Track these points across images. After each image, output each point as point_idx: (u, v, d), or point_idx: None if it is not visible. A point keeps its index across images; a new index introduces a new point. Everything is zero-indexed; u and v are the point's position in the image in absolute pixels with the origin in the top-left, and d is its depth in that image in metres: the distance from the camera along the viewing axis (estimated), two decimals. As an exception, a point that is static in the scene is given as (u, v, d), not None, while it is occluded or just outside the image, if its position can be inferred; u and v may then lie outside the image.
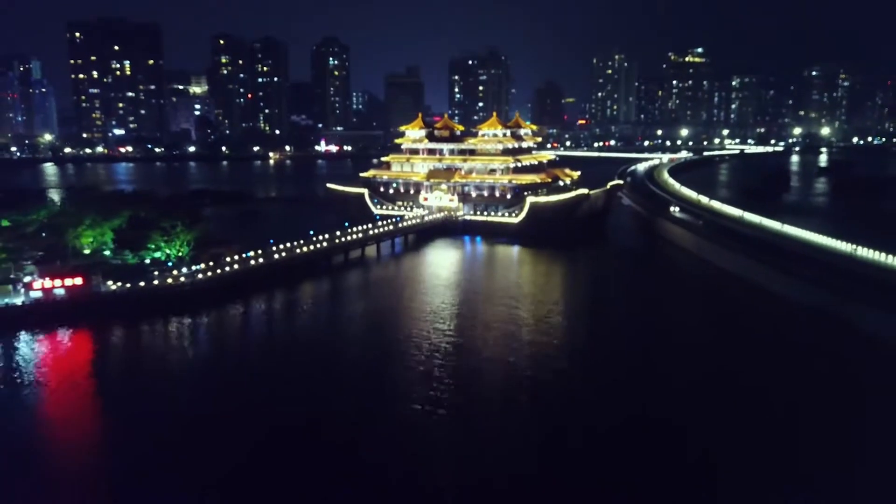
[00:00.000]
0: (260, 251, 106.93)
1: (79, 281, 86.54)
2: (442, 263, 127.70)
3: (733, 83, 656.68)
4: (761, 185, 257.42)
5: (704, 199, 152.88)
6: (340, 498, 47.61)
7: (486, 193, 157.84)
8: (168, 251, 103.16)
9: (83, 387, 70.07)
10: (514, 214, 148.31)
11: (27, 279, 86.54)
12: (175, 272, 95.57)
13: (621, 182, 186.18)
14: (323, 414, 61.21)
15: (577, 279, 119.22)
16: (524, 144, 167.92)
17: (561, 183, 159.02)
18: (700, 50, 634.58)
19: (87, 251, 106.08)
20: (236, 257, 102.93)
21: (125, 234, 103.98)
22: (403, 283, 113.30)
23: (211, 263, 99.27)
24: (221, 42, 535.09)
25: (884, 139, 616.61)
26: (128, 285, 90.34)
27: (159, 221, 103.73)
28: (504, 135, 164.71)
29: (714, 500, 47.95)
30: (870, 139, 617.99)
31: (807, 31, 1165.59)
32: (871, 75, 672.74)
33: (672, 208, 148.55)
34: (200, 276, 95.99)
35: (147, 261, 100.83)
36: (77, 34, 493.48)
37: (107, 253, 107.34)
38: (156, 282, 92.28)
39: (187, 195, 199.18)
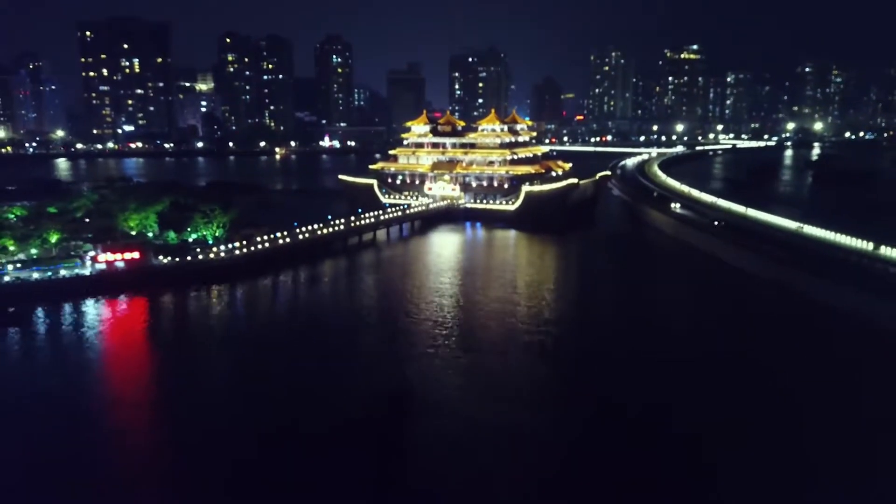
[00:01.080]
0: (286, 232, 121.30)
1: (136, 255, 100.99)
2: (445, 246, 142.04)
3: (728, 79, 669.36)
4: (746, 177, 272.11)
5: (685, 189, 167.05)
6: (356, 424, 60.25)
7: (485, 183, 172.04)
8: (206, 232, 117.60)
9: (141, 343, 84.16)
10: (510, 202, 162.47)
11: (92, 253, 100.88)
12: (214, 249, 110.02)
13: (609, 173, 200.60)
14: (341, 361, 75.73)
15: (568, 258, 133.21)
16: (520, 139, 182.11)
17: (553, 174, 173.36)
18: (695, 47, 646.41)
19: (133, 233, 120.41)
20: (266, 237, 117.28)
21: (169, 217, 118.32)
22: (410, 261, 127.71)
23: (244, 242, 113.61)
24: (228, 40, 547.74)
25: (875, 134, 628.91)
26: (176, 259, 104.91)
27: (199, 206, 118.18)
28: (502, 130, 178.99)
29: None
30: (861, 134, 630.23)
31: (803, 27, 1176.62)
32: (864, 71, 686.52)
33: (673, 205, 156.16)
34: (237, 252, 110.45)
35: (190, 240, 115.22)
36: (87, 33, 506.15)
37: (150, 234, 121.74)
38: (200, 257, 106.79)
39: (207, 186, 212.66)
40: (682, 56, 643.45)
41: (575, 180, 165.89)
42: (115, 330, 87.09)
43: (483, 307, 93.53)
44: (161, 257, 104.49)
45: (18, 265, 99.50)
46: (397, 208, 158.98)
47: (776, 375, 69.02)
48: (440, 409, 61.49)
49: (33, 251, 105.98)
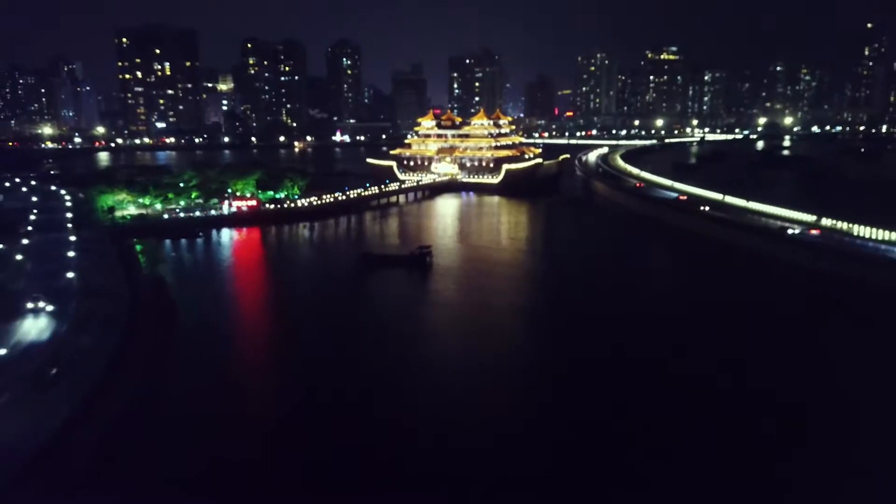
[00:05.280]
0: (340, 193, 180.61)
1: (253, 203, 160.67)
2: (447, 206, 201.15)
3: (706, 77, 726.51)
4: (696, 161, 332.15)
5: (623, 165, 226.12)
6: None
7: (476, 164, 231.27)
8: (289, 192, 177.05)
9: (259, 254, 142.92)
10: (495, 177, 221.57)
11: (227, 202, 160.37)
12: (298, 202, 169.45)
13: (568, 156, 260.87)
14: (381, 247, 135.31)
15: (536, 213, 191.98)
16: (502, 131, 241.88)
17: (526, 156, 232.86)
18: (675, 48, 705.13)
19: (237, 193, 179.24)
20: (328, 196, 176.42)
21: (265, 182, 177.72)
22: (423, 214, 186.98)
23: (315, 198, 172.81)
24: (249, 45, 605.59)
25: (842, 128, 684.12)
26: (276, 206, 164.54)
27: (286, 174, 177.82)
28: (489, 124, 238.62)
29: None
30: (828, 128, 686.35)
31: (789, 25, 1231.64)
32: (840, 69, 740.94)
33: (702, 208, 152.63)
34: (312, 203, 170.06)
35: (280, 196, 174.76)
36: (124, 39, 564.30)
37: (247, 193, 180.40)
38: (292, 205, 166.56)
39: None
40: (662, 56, 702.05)
41: (540, 160, 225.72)
42: (243, 244, 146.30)
43: (474, 235, 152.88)
44: (268, 205, 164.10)
45: (179, 210, 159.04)
46: (412, 182, 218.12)
47: (636, 257, 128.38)
48: (449, 257, 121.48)
49: (182, 203, 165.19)
